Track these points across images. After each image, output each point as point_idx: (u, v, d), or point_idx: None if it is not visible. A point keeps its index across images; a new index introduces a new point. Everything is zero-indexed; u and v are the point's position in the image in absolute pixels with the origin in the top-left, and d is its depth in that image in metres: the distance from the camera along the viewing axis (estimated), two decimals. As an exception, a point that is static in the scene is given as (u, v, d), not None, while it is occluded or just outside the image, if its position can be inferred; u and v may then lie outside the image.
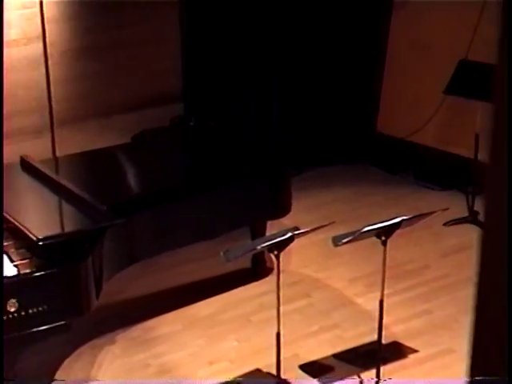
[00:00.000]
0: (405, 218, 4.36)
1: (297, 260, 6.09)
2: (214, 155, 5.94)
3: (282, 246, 4.22)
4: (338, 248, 4.56)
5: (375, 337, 4.67)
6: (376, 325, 4.60)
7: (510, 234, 1.45)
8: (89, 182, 5.36)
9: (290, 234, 4.19)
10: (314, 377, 4.85)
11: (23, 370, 4.44)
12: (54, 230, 4.57)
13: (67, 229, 4.76)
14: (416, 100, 7.53)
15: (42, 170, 5.28)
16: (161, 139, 6.60)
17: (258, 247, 4.27)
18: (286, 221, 5.78)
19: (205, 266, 5.90)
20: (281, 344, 4.44)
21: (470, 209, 6.67)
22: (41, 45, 6.51)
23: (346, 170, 7.82)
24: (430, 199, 7.01)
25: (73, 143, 6.63)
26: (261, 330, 5.27)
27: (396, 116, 7.77)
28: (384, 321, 4.58)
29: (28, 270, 4.18)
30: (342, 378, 4.81)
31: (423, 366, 4.92)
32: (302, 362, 4.97)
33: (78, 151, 5.95)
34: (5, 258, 4.30)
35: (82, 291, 4.33)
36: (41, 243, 4.25)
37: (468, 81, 6.43)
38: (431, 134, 7.46)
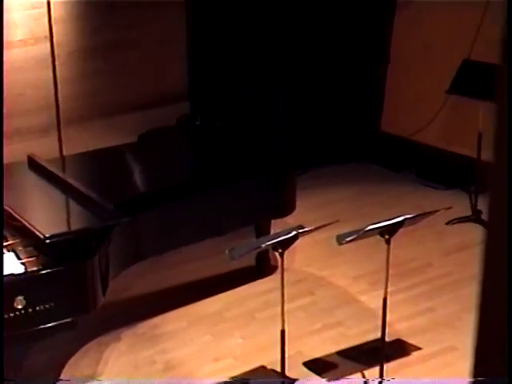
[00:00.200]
0: (408, 216, 4.36)
1: (301, 258, 6.11)
2: (219, 154, 5.96)
3: (286, 244, 4.23)
4: (342, 246, 4.54)
5: (379, 334, 4.67)
6: (379, 322, 4.60)
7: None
8: (95, 180, 5.37)
9: (294, 233, 4.19)
10: (318, 374, 4.86)
11: (30, 367, 4.46)
12: (61, 228, 4.58)
13: (74, 227, 4.77)
14: (419, 99, 7.55)
15: (49, 168, 5.29)
16: (167, 138, 6.62)
17: (263, 245, 4.28)
18: (290, 219, 5.81)
19: (210, 263, 5.92)
20: (285, 341, 4.44)
21: (473, 208, 6.68)
22: (48, 45, 6.53)
23: (350, 169, 7.82)
24: (433, 198, 7.02)
25: (79, 142, 6.65)
26: (265, 327, 5.29)
27: (399, 115, 7.79)
28: (387, 318, 4.58)
29: (35, 268, 4.18)
30: (345, 375, 4.84)
31: (426, 364, 4.93)
32: (306, 359, 4.98)
33: (85, 150, 5.97)
34: (12, 255, 4.31)
35: (88, 289, 4.34)
36: (48, 241, 4.27)
37: (471, 80, 6.44)
38: (434, 133, 7.48)
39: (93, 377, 4.86)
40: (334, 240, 4.38)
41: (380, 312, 4.59)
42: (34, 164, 5.44)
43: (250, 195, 5.54)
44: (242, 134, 6.95)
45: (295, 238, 4.23)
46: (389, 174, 7.71)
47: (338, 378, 4.81)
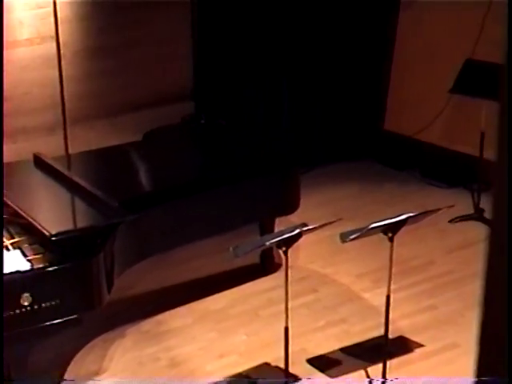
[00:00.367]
0: (411, 214, 4.36)
1: (304, 256, 6.13)
2: (223, 153, 5.98)
3: (290, 242, 4.24)
4: (345, 244, 4.54)
5: (382, 331, 4.68)
6: (382, 320, 4.60)
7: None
8: (101, 178, 5.39)
9: (298, 231, 4.20)
10: (322, 370, 4.87)
11: (36, 363, 4.47)
12: (67, 225, 4.60)
13: (79, 224, 4.79)
14: (422, 98, 7.57)
15: (55, 166, 5.32)
16: (172, 137, 6.63)
17: (267, 243, 4.29)
18: (294, 217, 5.81)
19: (214, 261, 5.93)
20: (289, 338, 4.45)
21: (476, 206, 6.70)
22: (54, 44, 6.52)
23: (353, 168, 7.85)
24: (436, 196, 7.05)
25: (85, 141, 6.66)
26: (269, 324, 5.31)
27: (402, 114, 7.81)
28: (390, 316, 4.59)
29: (41, 265, 4.20)
30: (349, 372, 4.86)
31: (429, 361, 4.95)
32: (309, 356, 5.00)
33: (90, 149, 6.01)
34: (18, 252, 4.33)
35: (93, 286, 4.36)
36: (54, 238, 4.30)
37: (474, 80, 6.45)
38: (437, 132, 7.50)
39: (98, 373, 4.89)
40: (338, 238, 4.38)
41: (383, 309, 4.59)
42: (39, 162, 5.47)
43: (255, 193, 5.56)
44: (247, 132, 6.95)
45: (299, 235, 4.23)
46: (392, 173, 7.72)
47: (341, 375, 4.84)
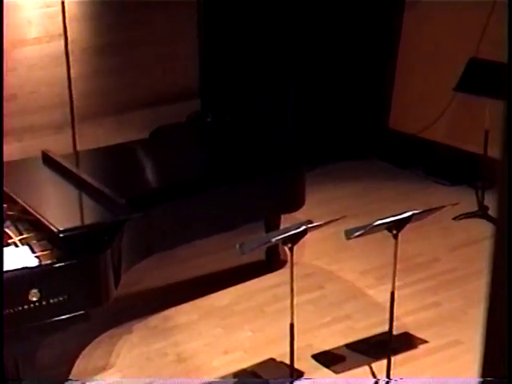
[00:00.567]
0: (415, 212, 4.37)
1: (310, 253, 6.16)
2: (229, 150, 5.99)
3: (295, 238, 4.25)
4: (350, 241, 4.57)
5: (386, 328, 4.70)
6: (387, 316, 4.62)
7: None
8: (108, 176, 5.40)
9: (303, 228, 4.22)
10: (327, 366, 4.90)
11: (44, 359, 4.52)
12: (75, 222, 4.62)
13: (87, 221, 4.82)
14: (427, 97, 7.59)
15: (63, 164, 5.34)
16: (178, 135, 6.64)
17: (273, 240, 4.29)
18: (299, 214, 5.83)
19: (220, 258, 5.97)
20: (294, 334, 4.47)
21: (480, 203, 6.73)
22: (62, 42, 6.55)
23: (358, 166, 7.88)
24: (440, 194, 7.07)
25: (93, 138, 6.71)
26: (275, 320, 5.33)
27: (407, 112, 7.83)
28: (395, 312, 4.60)
29: (49, 261, 4.21)
30: (353, 368, 4.88)
31: (432, 357, 4.97)
32: (314, 352, 5.03)
33: (98, 146, 6.03)
34: (27, 248, 4.34)
35: (101, 282, 4.38)
36: (61, 235, 4.31)
37: (478, 78, 6.47)
38: (441, 131, 7.52)
39: (105, 368, 4.91)
40: (343, 235, 4.40)
41: (387, 306, 4.61)
42: (48, 159, 5.49)
43: (260, 191, 5.58)
44: (252, 130, 6.97)
45: (304, 232, 4.25)
46: (396, 171, 7.75)
47: (346, 371, 4.87)
